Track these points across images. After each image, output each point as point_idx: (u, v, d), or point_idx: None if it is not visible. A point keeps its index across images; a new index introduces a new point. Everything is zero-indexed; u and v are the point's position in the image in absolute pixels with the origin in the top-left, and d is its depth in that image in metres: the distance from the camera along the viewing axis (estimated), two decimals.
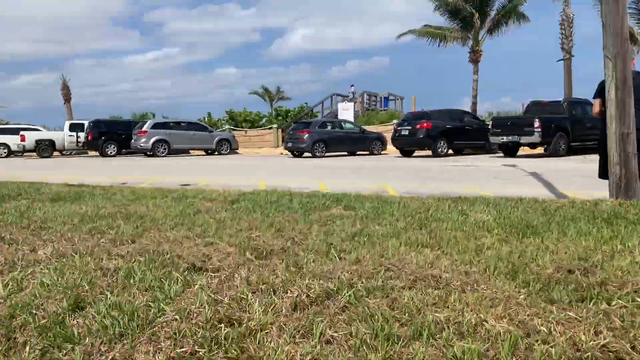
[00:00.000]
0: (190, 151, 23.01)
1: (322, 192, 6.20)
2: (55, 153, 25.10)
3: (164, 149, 21.36)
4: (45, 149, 24.56)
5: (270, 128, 27.06)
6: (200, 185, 9.08)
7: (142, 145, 21.10)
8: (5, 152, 25.66)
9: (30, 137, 24.55)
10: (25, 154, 25.45)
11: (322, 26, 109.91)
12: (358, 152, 18.95)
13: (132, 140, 21.63)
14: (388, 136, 18.73)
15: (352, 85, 28.96)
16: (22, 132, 24.72)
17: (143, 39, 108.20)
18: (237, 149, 24.21)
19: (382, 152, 19.32)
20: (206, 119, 29.43)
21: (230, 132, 26.85)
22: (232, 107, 29.07)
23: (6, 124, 34.94)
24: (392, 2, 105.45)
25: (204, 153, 23.10)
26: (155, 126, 21.50)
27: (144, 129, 21.16)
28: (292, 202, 5.14)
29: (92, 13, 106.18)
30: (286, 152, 19.77)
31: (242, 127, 28.27)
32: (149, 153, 21.15)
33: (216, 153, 22.67)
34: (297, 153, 18.82)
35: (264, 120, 29.33)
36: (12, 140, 25.20)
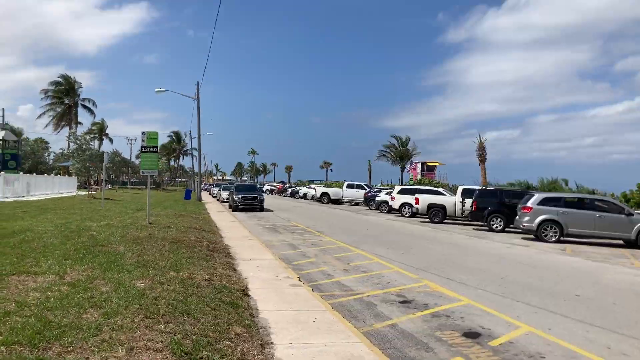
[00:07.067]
0: (598, 239, 16.59)
1: None
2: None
3: (554, 232, 16.21)
4: (435, 214, 23.83)
5: None
6: None
7: (525, 224, 16.73)
8: (409, 212, 26.73)
9: (424, 201, 24.42)
10: (418, 216, 25.76)
11: None
12: None
13: (517, 217, 17.58)
14: None
15: None
16: (417, 195, 24.98)
17: (612, 90, 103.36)
18: None
19: None
20: (633, 191, 21.28)
21: None
22: None
23: (436, 184, 37.32)
24: None
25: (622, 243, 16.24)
26: (544, 202, 16.63)
27: (528, 204, 16.73)
28: None
29: (559, 69, 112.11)
30: None
31: None
32: (534, 235, 16.62)
33: (639, 245, 15.46)
34: None
35: None
36: (412, 200, 25.98)
